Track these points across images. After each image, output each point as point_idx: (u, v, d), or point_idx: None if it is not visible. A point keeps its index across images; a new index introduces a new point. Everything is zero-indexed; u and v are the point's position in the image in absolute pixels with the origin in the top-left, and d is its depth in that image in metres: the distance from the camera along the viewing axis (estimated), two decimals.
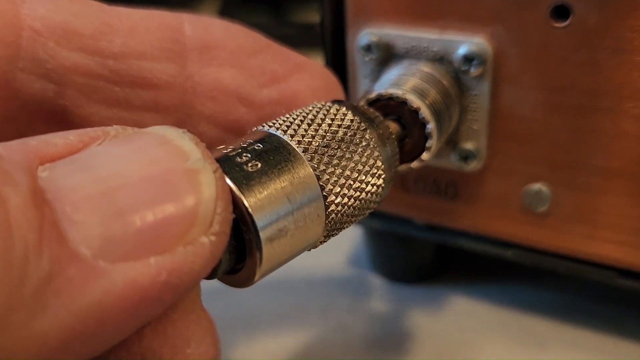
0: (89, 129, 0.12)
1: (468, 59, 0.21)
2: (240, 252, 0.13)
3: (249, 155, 0.14)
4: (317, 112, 0.16)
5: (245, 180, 0.13)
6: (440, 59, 0.21)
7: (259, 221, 0.13)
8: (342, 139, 0.16)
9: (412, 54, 0.22)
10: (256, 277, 0.14)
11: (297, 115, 0.16)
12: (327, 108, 0.16)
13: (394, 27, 0.22)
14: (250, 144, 0.14)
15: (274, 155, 0.14)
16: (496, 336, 0.26)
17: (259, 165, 0.13)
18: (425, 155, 0.19)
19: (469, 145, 0.22)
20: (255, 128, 0.15)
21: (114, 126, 0.13)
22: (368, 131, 0.16)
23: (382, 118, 0.17)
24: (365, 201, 0.16)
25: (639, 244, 0.22)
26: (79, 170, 0.11)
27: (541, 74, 0.21)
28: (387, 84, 0.20)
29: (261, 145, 0.14)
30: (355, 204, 0.16)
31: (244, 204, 0.13)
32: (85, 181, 0.11)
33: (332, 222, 0.15)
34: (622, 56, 0.19)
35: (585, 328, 0.26)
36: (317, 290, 0.28)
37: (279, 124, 0.15)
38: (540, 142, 0.22)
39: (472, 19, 0.21)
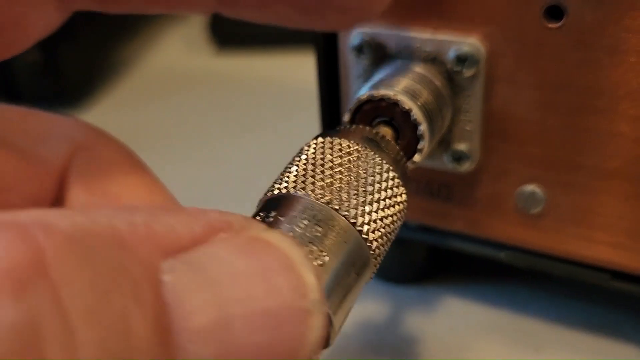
0: (212, 216, 0.12)
1: (461, 59, 0.20)
2: None
3: (314, 247, 0.14)
4: (337, 156, 0.16)
5: None
6: (433, 59, 0.21)
7: (335, 320, 0.14)
8: (367, 180, 0.16)
9: (405, 54, 0.21)
10: (329, 346, 0.14)
11: (319, 165, 0.16)
12: (349, 150, 0.16)
13: (386, 27, 0.21)
14: (307, 226, 0.14)
15: (333, 237, 0.14)
16: (490, 338, 0.26)
17: (327, 258, 0.14)
18: (417, 157, 0.19)
19: (462, 147, 0.22)
20: (286, 189, 0.15)
21: (237, 217, 0.12)
22: (385, 161, 0.17)
23: (385, 136, 0.18)
24: (396, 228, 0.17)
25: (634, 246, 0.22)
26: (202, 284, 0.11)
27: (535, 74, 0.20)
28: (379, 84, 0.20)
29: (319, 228, 0.14)
30: (390, 236, 0.16)
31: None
32: (207, 302, 0.10)
33: (377, 262, 0.16)
34: (617, 57, 0.19)
35: (581, 330, 0.26)
36: None
37: (317, 187, 0.15)
38: (535, 143, 0.21)
39: (465, 19, 0.20)
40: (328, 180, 0.15)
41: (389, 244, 0.16)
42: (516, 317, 0.26)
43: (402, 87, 0.19)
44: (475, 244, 0.24)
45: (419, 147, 0.19)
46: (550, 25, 0.19)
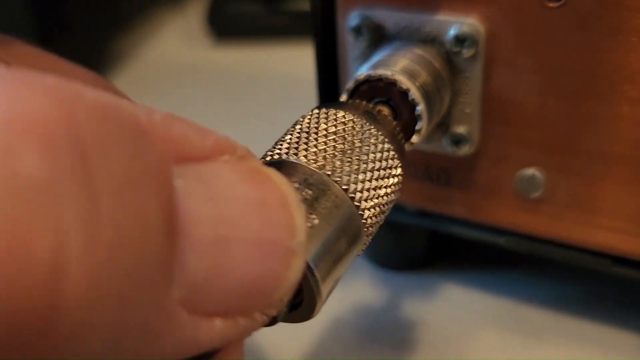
0: (221, 137, 0.12)
1: (460, 40, 0.20)
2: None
3: (304, 207, 0.14)
4: (331, 125, 0.16)
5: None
6: (432, 40, 0.21)
7: (323, 287, 0.13)
8: (362, 150, 0.16)
9: (404, 35, 0.21)
10: (314, 316, 0.14)
11: (313, 133, 0.16)
12: (344, 120, 0.16)
13: (384, 7, 0.21)
14: (298, 189, 0.14)
15: (324, 201, 0.14)
16: (491, 326, 0.25)
17: (316, 220, 0.14)
18: (415, 138, 0.19)
19: (460, 129, 0.22)
20: (279, 155, 0.15)
21: (241, 145, 0.12)
22: (380, 132, 0.16)
23: (383, 111, 0.17)
24: (390, 202, 0.16)
25: (635, 231, 0.21)
26: (208, 199, 0.11)
27: (535, 55, 0.20)
28: (377, 65, 0.20)
29: (310, 191, 0.14)
30: (384, 208, 0.16)
31: (314, 274, 0.13)
32: (211, 217, 0.11)
33: (369, 233, 0.16)
34: (618, 37, 0.19)
35: (582, 318, 0.25)
36: None
37: (311, 153, 0.15)
38: (534, 126, 0.21)
39: None
40: (321, 147, 0.15)
41: (382, 217, 0.16)
42: (518, 305, 0.26)
43: (401, 67, 0.19)
44: (475, 229, 0.24)
45: (416, 128, 0.19)
46: (550, 5, 0.19)
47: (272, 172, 0.12)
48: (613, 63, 0.19)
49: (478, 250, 0.27)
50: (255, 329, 0.12)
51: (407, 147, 0.19)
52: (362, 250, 0.16)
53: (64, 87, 0.09)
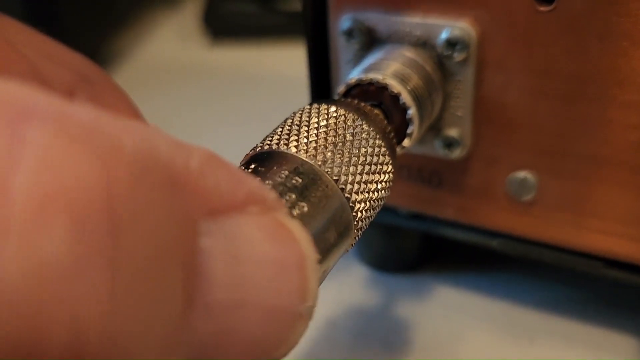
0: (253, 185, 0.11)
1: (451, 43, 0.20)
2: None
3: (293, 195, 0.13)
4: (323, 118, 0.16)
5: None
6: (423, 43, 0.21)
7: None
8: (353, 144, 0.16)
9: (395, 38, 0.21)
10: None
11: (304, 126, 0.15)
12: (335, 114, 0.16)
13: (376, 11, 0.21)
14: (288, 177, 0.14)
15: (314, 190, 0.14)
16: (484, 327, 0.25)
17: (305, 208, 0.13)
18: (406, 142, 0.19)
19: (452, 133, 0.22)
20: (269, 145, 0.15)
21: (271, 194, 0.12)
22: (371, 128, 0.16)
23: (374, 110, 0.17)
24: (380, 198, 0.16)
25: (626, 233, 0.21)
26: (231, 260, 0.10)
27: (527, 59, 0.20)
28: (368, 69, 0.20)
29: (300, 180, 0.14)
30: (374, 204, 0.16)
31: None
32: (229, 281, 0.10)
33: (359, 228, 0.15)
34: (609, 41, 0.19)
35: (573, 320, 0.25)
36: None
37: (302, 144, 0.15)
38: (526, 129, 0.21)
39: (455, 3, 0.20)
40: (312, 139, 0.15)
41: (372, 212, 0.16)
42: (510, 307, 0.26)
43: (392, 71, 0.19)
44: (468, 232, 0.24)
45: (408, 131, 0.19)
46: (541, 9, 0.19)
47: (296, 227, 0.12)
48: (603, 67, 0.19)
49: (470, 252, 0.28)
50: None
51: (398, 150, 0.19)
52: (352, 245, 0.15)
53: (103, 133, 0.09)
